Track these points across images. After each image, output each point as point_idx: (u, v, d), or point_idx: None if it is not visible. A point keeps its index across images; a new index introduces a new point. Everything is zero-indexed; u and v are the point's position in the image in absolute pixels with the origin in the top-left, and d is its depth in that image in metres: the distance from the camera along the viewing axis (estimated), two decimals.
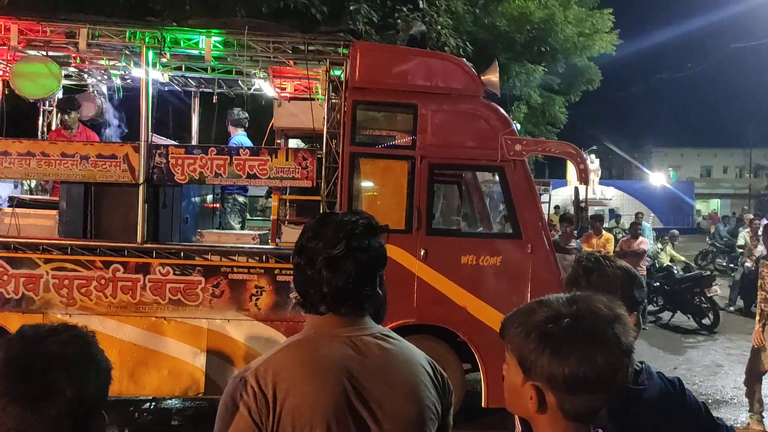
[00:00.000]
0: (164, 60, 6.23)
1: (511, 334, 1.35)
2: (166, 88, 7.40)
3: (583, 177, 6.06)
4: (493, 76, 6.19)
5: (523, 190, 5.99)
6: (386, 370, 1.68)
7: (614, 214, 22.96)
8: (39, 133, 7.37)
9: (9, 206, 6.07)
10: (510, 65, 15.05)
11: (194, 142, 7.81)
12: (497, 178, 6.22)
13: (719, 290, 11.75)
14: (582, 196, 6.25)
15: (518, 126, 6.85)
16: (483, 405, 5.86)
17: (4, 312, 5.61)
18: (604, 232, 11.36)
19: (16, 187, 6.65)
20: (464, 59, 6.89)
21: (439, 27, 12.01)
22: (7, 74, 6.33)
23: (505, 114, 6.20)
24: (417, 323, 5.86)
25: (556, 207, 23.10)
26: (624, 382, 1.28)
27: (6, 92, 6.67)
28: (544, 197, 20.30)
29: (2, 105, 6.80)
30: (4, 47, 5.97)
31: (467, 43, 12.82)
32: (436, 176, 6.10)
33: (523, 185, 5.99)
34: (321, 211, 5.79)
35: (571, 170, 23.48)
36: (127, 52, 6.16)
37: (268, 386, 1.61)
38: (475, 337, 5.90)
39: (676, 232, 15.16)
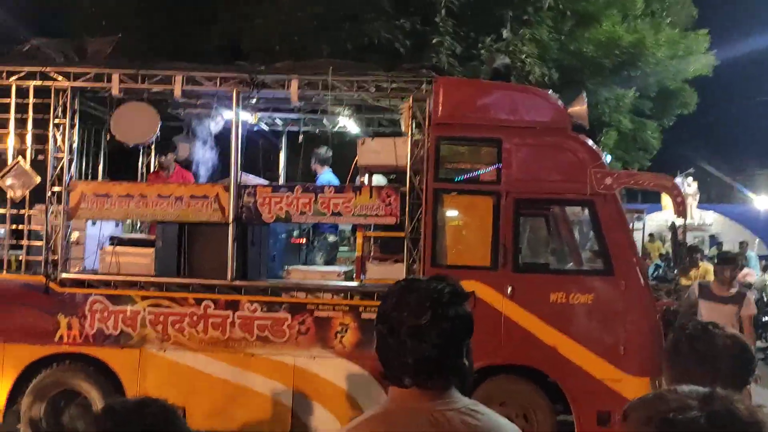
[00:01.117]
0: (253, 102, 6.46)
1: (631, 418, 1.23)
2: (255, 128, 7.65)
3: (681, 210, 5.76)
4: (580, 108, 6.02)
5: (615, 224, 5.75)
6: None
7: (715, 241, 21.69)
8: (139, 174, 7.76)
9: (110, 245, 6.39)
10: (598, 91, 14.66)
11: (282, 179, 8.01)
12: (587, 212, 6.00)
13: None
14: (680, 231, 5.95)
15: (609, 158, 6.60)
16: None
17: (104, 347, 5.88)
18: (701, 263, 10.75)
19: (117, 225, 7.00)
20: (550, 89, 6.77)
21: (524, 56, 11.87)
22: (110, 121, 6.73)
23: (594, 146, 6.01)
24: (504, 363, 5.69)
25: (651, 235, 22.09)
26: None
27: (108, 138, 7.10)
28: (638, 224, 19.45)
29: (105, 149, 7.25)
30: (107, 95, 6.34)
31: (553, 71, 12.60)
32: (522, 211, 5.96)
33: (615, 219, 5.76)
34: (405, 250, 5.78)
35: (665, 195, 22.43)
36: (219, 95, 6.44)
37: None
38: (567, 378, 5.67)
39: None
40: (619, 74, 15.12)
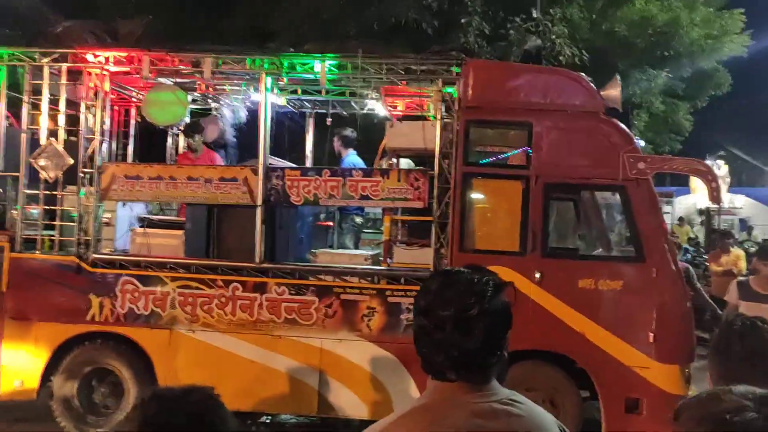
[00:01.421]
0: (282, 84, 6.45)
1: (684, 418, 1.21)
2: (283, 110, 7.63)
3: (715, 196, 5.65)
4: (613, 91, 5.91)
5: (647, 210, 5.66)
6: None
7: (745, 226, 21.25)
8: (168, 155, 7.81)
9: (141, 226, 6.46)
10: (629, 72, 14.37)
11: (309, 162, 8.01)
12: (618, 198, 5.91)
13: None
14: (713, 216, 5.84)
15: (642, 143, 6.48)
16: None
17: (135, 327, 5.97)
18: (733, 249, 10.55)
19: (147, 207, 7.06)
20: (581, 70, 6.64)
21: (554, 36, 11.67)
22: (140, 102, 6.78)
23: (627, 130, 5.90)
24: (532, 349, 5.66)
25: (680, 219, 21.77)
26: None
27: (139, 119, 7.15)
28: (666, 208, 19.13)
29: (137, 130, 7.31)
30: (138, 76, 6.37)
31: (583, 52, 12.37)
32: (552, 196, 5.88)
33: (647, 205, 5.66)
34: (433, 236, 5.74)
35: (695, 178, 21.89)
36: (247, 77, 6.44)
37: None
38: (594, 365, 5.63)
39: None
40: (651, 54, 14.79)
